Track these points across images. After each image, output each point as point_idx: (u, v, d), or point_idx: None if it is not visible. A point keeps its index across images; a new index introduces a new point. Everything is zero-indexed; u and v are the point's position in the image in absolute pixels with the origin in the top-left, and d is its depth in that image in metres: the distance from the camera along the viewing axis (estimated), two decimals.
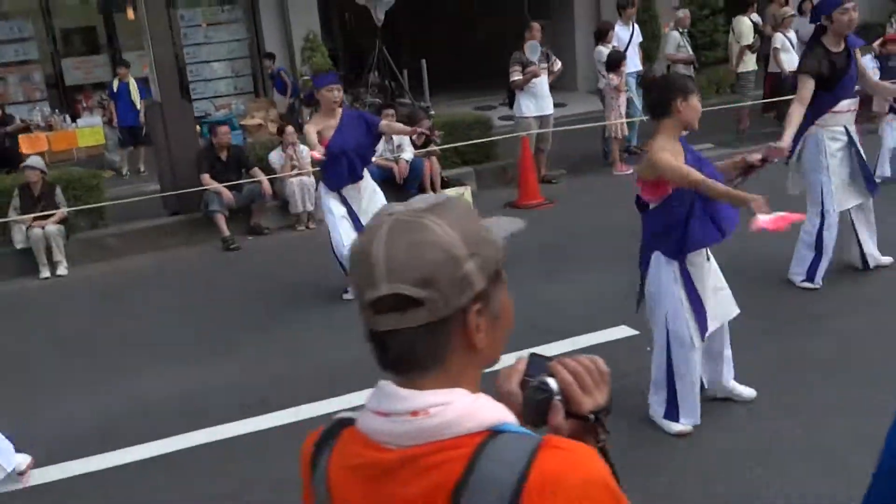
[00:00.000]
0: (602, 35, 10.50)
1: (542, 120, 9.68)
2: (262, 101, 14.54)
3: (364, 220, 6.40)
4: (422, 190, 9.47)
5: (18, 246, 8.28)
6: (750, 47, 11.24)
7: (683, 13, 11.89)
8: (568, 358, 1.31)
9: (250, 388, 5.21)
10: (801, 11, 12.41)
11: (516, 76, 9.43)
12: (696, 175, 3.71)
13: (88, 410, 5.16)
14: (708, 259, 4.04)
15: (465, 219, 1.18)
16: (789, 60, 11.28)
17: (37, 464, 4.42)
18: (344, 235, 6.38)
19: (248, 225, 9.02)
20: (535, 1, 17.99)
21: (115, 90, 12.53)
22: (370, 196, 6.62)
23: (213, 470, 4.31)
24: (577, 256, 7.14)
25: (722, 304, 4.09)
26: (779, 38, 11.25)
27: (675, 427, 4.08)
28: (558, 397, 1.26)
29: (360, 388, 4.86)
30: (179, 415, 4.93)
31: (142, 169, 12.59)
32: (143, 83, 13.05)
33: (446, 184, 9.49)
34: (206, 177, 8.70)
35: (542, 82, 9.51)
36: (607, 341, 5.21)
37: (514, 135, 9.81)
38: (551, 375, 1.28)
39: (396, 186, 9.32)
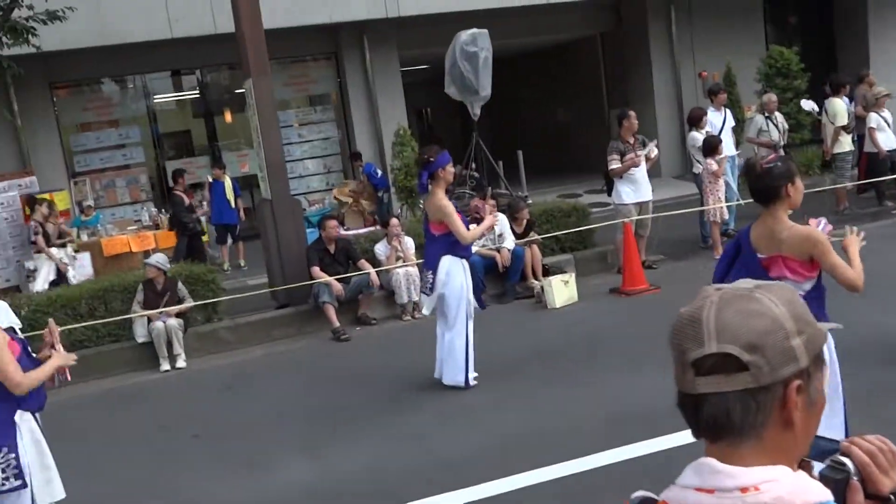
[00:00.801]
0: (696, 121, 10.62)
1: (641, 206, 9.74)
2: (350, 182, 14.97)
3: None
4: (524, 278, 9.57)
5: (140, 340, 8.60)
6: (845, 128, 11.20)
7: (768, 98, 11.94)
8: (859, 438, 1.34)
9: (377, 480, 5.24)
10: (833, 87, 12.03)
11: (615, 164, 9.56)
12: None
13: (227, 502, 5.26)
14: None
15: (793, 299, 1.24)
16: (885, 139, 11.22)
17: None
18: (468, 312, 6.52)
19: (355, 315, 9.20)
20: (615, 90, 18.36)
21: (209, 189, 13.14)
22: None
23: None
24: None
25: None
26: (874, 118, 11.21)
27: None
28: (856, 477, 1.28)
29: (482, 480, 4.91)
30: None
31: (242, 264, 13.01)
32: (236, 181, 13.66)
33: (547, 271, 9.56)
34: (315, 269, 8.96)
35: (641, 169, 9.60)
36: None
37: (613, 222, 9.89)
38: (845, 455, 1.31)
39: (499, 275, 9.45)
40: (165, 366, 8.38)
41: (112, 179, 14.83)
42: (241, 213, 13.35)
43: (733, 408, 1.20)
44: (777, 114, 11.52)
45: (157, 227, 13.44)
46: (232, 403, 7.25)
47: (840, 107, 11.29)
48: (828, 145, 11.46)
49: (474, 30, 10.97)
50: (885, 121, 11.23)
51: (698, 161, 10.44)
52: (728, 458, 1.21)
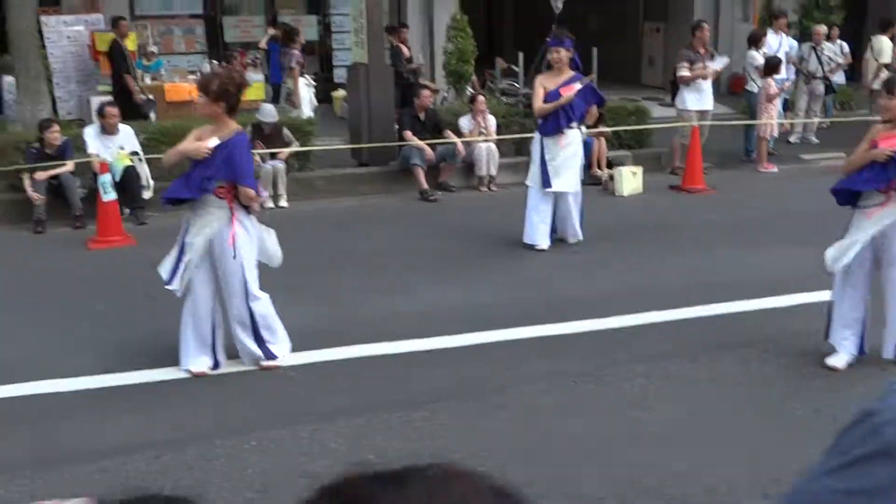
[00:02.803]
0: (755, 41, 11.39)
1: (701, 114, 10.59)
2: None
3: (552, 176, 7.48)
4: (588, 167, 10.42)
5: None
6: (888, 66, 12.09)
7: (815, 29, 12.73)
8: None
9: (514, 308, 6.20)
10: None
11: (684, 71, 10.34)
12: None
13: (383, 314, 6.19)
14: None
15: None
16: None
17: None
18: (534, 184, 7.54)
19: (435, 182, 10.01)
20: (651, 4, 18.87)
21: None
22: (567, 155, 7.62)
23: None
24: (769, 232, 8.05)
25: None
26: None
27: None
28: None
29: (605, 315, 5.88)
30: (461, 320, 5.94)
31: None
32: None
33: (610, 164, 10.43)
34: (408, 133, 9.71)
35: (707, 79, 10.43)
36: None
37: (671, 125, 10.76)
38: None
39: None
40: (269, 204, 9.14)
41: (170, 27, 15.10)
42: None
43: None
44: (826, 44, 12.32)
45: None
46: (349, 238, 8.12)
47: (886, 44, 12.14)
48: (868, 80, 12.34)
49: None
50: None
51: (753, 80, 11.26)
52: None
